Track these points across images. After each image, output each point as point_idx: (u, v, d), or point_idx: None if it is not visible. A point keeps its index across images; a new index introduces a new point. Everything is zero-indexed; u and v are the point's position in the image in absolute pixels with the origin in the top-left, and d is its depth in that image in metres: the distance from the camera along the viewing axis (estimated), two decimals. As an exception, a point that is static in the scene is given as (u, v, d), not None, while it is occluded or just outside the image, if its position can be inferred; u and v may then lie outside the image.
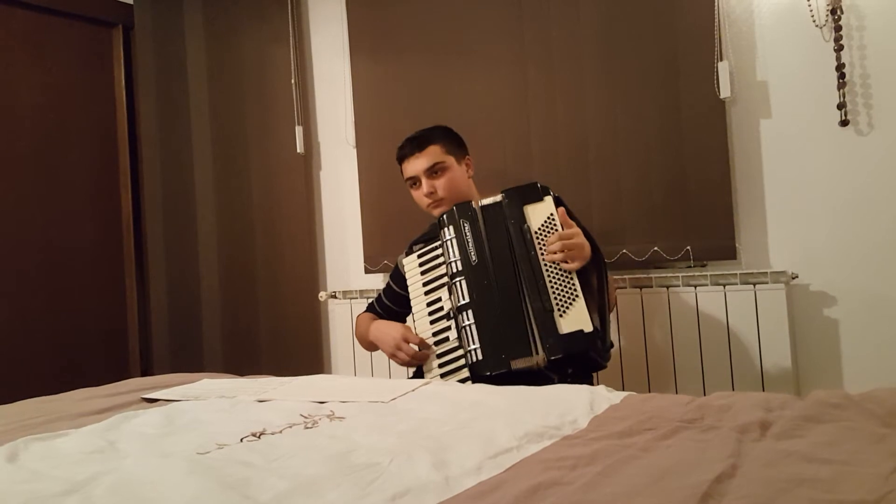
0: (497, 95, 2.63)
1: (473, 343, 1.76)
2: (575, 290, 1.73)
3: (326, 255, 3.14)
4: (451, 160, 2.06)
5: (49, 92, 3.11)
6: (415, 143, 2.07)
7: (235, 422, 1.27)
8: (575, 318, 1.70)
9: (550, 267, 1.76)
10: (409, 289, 1.97)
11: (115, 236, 3.32)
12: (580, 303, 1.71)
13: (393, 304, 2.14)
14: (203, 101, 3.23)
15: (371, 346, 2.10)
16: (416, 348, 1.85)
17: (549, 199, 1.84)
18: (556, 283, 1.74)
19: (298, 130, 3.08)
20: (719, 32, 2.27)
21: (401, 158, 2.11)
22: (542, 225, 1.81)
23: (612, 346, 1.79)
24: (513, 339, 1.73)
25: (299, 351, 3.05)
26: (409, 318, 2.00)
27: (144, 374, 3.24)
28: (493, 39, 2.64)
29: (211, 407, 1.41)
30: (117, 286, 3.31)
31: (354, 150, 2.98)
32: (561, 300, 1.72)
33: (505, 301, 1.77)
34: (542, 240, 1.79)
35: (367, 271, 2.93)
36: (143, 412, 1.38)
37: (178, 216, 3.24)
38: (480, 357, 1.74)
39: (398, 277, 2.08)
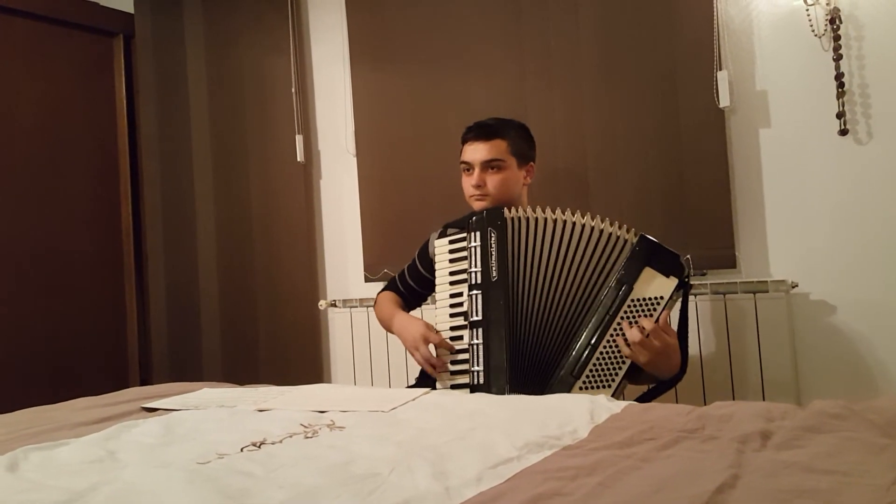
0: (496, 105, 2.62)
1: (478, 364, 1.69)
2: (613, 379, 1.62)
3: (326, 264, 3.14)
4: (511, 161, 1.94)
5: (49, 101, 3.11)
6: (483, 131, 1.96)
7: (235, 431, 1.27)
8: None
9: (610, 343, 1.63)
10: (437, 272, 1.88)
11: (115, 244, 3.32)
12: (606, 393, 1.62)
13: (416, 284, 2.09)
14: (203, 109, 3.24)
15: (390, 331, 2.04)
16: (434, 352, 1.78)
17: (672, 282, 1.63)
18: (604, 359, 1.63)
19: (298, 139, 3.08)
20: (718, 42, 2.28)
21: (464, 140, 2.00)
22: (645, 299, 1.63)
23: None
24: (519, 374, 1.67)
25: (299, 360, 3.05)
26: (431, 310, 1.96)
27: (143, 383, 3.24)
28: (492, 49, 2.64)
29: (210, 416, 1.40)
30: (117, 294, 3.31)
31: (354, 159, 2.98)
32: (593, 377, 1.63)
33: (523, 331, 1.69)
34: (630, 312, 1.63)
35: (366, 280, 2.93)
36: (143, 421, 1.38)
37: (178, 225, 3.24)
38: (482, 381, 1.68)
39: (425, 258, 2.02)
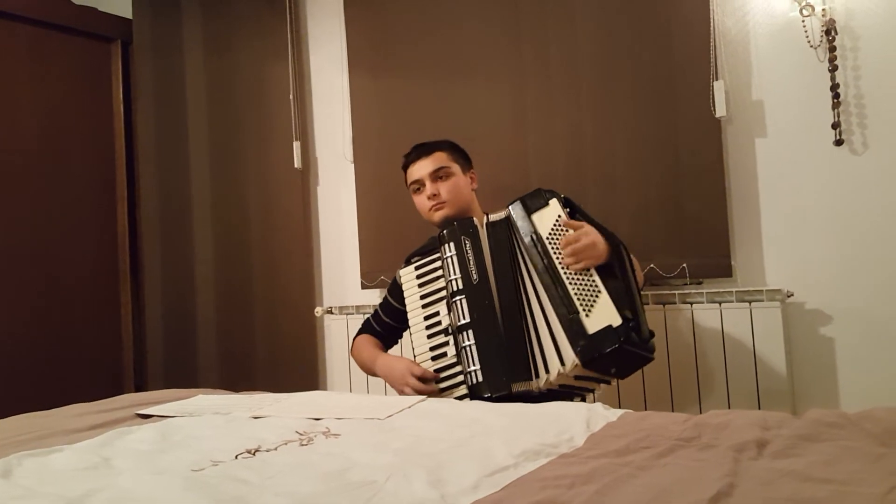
0: (495, 113, 2.63)
1: (473, 364, 1.73)
2: (596, 286, 1.68)
3: (323, 271, 3.13)
4: (456, 168, 2.06)
5: (47, 105, 3.11)
6: (422, 149, 2.09)
7: (230, 438, 1.26)
8: (601, 315, 1.64)
9: (568, 269, 1.72)
10: (407, 301, 1.95)
11: (112, 251, 3.31)
12: (603, 297, 1.66)
13: (391, 319, 2.12)
14: (201, 116, 3.24)
15: (373, 374, 2.07)
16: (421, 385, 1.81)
17: (554, 202, 1.82)
18: (576, 284, 1.69)
19: (296, 146, 3.08)
20: (715, 52, 2.29)
21: (406, 165, 2.12)
22: (553, 229, 1.78)
23: (652, 335, 1.72)
24: (513, 362, 1.71)
25: (295, 367, 3.04)
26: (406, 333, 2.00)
27: (138, 389, 3.22)
28: (491, 57, 2.65)
29: (206, 423, 1.40)
30: (113, 301, 3.30)
31: (352, 166, 2.98)
32: (584, 300, 1.67)
33: (506, 322, 1.75)
34: (555, 243, 1.76)
35: (363, 287, 2.92)
36: (138, 428, 1.37)
37: (175, 231, 3.24)
38: (480, 379, 1.71)
39: (396, 292, 2.06)
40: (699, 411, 2.15)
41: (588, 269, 1.71)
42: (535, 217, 1.82)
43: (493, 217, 1.90)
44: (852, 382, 2.17)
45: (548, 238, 1.77)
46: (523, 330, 1.74)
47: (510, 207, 1.87)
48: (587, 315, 1.66)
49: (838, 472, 0.91)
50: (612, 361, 1.64)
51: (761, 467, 0.96)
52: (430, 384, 1.81)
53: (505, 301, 1.77)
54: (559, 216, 1.79)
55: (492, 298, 1.78)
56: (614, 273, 1.74)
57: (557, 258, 1.74)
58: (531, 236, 1.79)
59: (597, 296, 1.68)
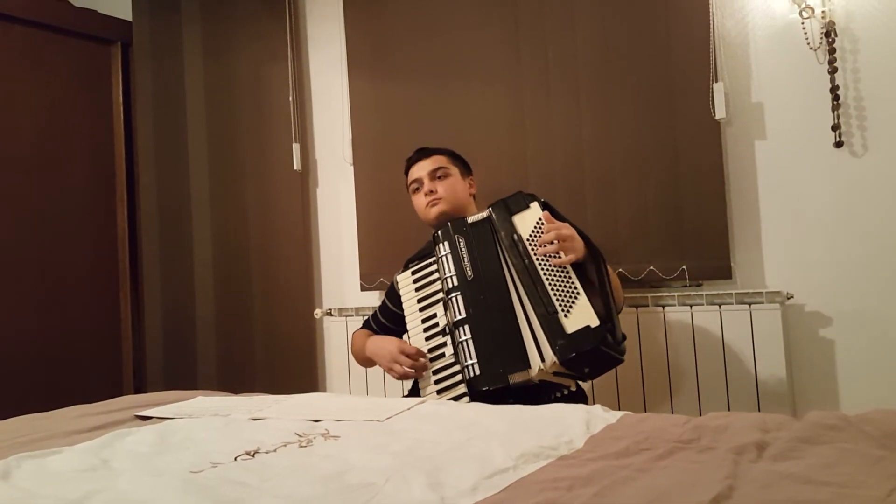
0: (494, 116, 2.64)
1: (470, 358, 1.75)
2: (575, 288, 1.72)
3: (322, 273, 3.13)
4: (455, 170, 2.13)
5: (47, 108, 3.11)
6: (423, 151, 2.17)
7: (229, 440, 1.26)
8: (579, 316, 1.68)
9: (547, 271, 1.75)
10: (404, 305, 1.98)
11: (111, 252, 3.31)
12: (582, 299, 1.70)
13: (388, 322, 2.14)
14: (200, 118, 3.24)
15: (367, 362, 2.12)
16: (411, 361, 1.86)
17: (535, 206, 1.86)
18: (555, 285, 1.73)
19: (295, 148, 3.09)
20: (714, 54, 2.29)
21: (408, 167, 2.18)
22: (532, 231, 1.82)
23: (624, 338, 1.76)
24: (509, 354, 1.73)
25: (294, 368, 3.04)
26: (404, 336, 2.00)
27: (138, 391, 3.22)
28: (490, 59, 2.65)
29: (205, 425, 1.40)
30: (112, 302, 3.30)
31: (351, 168, 2.99)
32: (563, 301, 1.71)
33: (499, 316, 1.77)
34: (535, 245, 1.80)
35: (363, 289, 2.92)
36: (137, 430, 1.37)
37: (174, 233, 3.24)
38: (478, 372, 1.74)
39: (393, 295, 2.09)
40: (699, 413, 2.15)
41: (567, 270, 1.75)
42: (516, 219, 1.86)
43: (473, 218, 1.93)
44: (852, 385, 2.17)
45: (528, 239, 1.81)
46: (516, 323, 1.77)
47: (491, 209, 1.91)
48: (566, 315, 1.70)
49: (838, 475, 0.91)
50: (587, 361, 1.69)
51: (761, 470, 0.96)
52: (420, 363, 1.84)
53: (495, 296, 1.80)
54: (539, 219, 1.83)
55: (484, 294, 1.82)
56: (591, 276, 1.78)
57: (537, 259, 1.77)
58: (512, 237, 1.83)
59: (575, 297, 1.72)
